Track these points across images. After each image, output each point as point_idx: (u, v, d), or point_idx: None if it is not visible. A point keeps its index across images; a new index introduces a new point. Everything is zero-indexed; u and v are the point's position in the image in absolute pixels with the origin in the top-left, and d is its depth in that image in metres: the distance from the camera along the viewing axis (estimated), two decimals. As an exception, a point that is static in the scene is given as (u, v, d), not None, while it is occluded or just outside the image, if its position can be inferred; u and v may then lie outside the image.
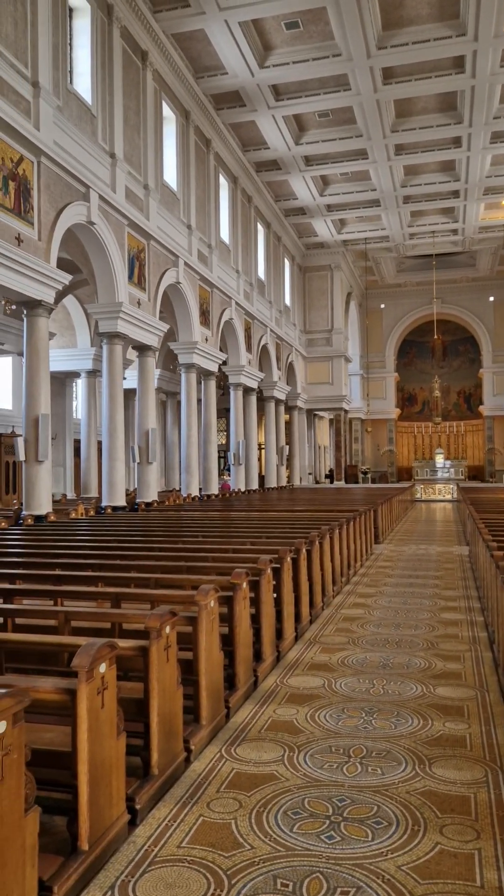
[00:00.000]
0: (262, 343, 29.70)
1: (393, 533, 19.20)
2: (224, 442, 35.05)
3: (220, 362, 24.11)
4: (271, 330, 30.83)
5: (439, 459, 42.94)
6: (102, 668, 3.30)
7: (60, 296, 20.47)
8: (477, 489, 29.22)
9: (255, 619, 5.99)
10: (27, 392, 13.75)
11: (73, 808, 3.12)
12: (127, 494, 19.22)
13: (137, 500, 18.67)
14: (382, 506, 17.40)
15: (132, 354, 20.90)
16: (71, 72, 15.61)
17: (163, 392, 31.85)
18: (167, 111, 20.44)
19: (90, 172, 15.51)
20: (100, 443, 19.65)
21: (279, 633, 6.68)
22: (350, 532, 11.67)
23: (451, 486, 36.73)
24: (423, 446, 46.87)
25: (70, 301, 24.30)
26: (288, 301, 35.08)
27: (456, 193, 30.40)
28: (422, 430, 46.95)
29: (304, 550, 7.82)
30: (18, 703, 2.60)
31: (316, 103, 22.70)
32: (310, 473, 39.03)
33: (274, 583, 6.65)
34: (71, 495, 26.47)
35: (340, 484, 37.91)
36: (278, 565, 6.84)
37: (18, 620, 5.31)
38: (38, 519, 13.60)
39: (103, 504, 17.27)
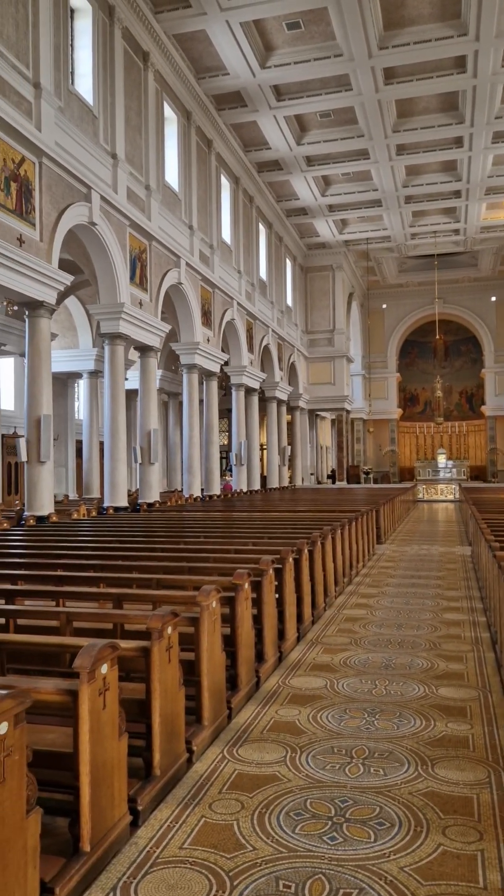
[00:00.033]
0: (264, 343, 29.70)
1: (395, 533, 19.18)
2: (226, 442, 35.05)
3: (222, 363, 24.11)
4: (273, 330, 30.83)
5: (441, 460, 42.91)
6: (104, 668, 3.30)
7: (62, 297, 20.49)
8: (479, 489, 29.19)
9: (257, 620, 5.98)
10: (29, 393, 13.76)
11: (74, 809, 3.12)
12: (129, 495, 19.24)
13: (139, 501, 18.67)
14: (384, 506, 17.39)
15: (134, 355, 20.90)
16: (72, 73, 15.63)
17: (165, 393, 31.86)
18: (168, 112, 20.44)
19: (92, 173, 15.52)
20: (102, 443, 19.65)
21: (281, 634, 6.67)
22: (352, 532, 11.66)
23: (454, 486, 36.69)
24: (425, 446, 46.83)
25: (72, 302, 24.31)
26: (290, 301, 35.08)
27: (457, 193, 30.39)
28: (424, 430, 46.92)
29: (305, 551, 7.81)
30: (20, 705, 2.59)
31: (317, 103, 22.70)
32: (312, 474, 39.01)
33: (276, 583, 6.64)
34: (73, 496, 26.49)
35: (342, 484, 37.89)
36: (280, 566, 6.83)
37: (20, 621, 5.30)
38: (41, 520, 13.60)
39: (105, 505, 17.27)
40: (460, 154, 26.11)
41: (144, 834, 3.44)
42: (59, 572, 6.71)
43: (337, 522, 10.84)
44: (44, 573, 6.67)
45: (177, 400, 32.22)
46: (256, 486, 28.62)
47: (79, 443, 28.36)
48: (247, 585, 5.53)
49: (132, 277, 17.48)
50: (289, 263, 34.89)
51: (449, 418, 45.71)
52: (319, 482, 40.76)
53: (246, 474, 27.41)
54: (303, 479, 36.55)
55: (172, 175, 20.74)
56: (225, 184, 25.39)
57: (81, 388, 27.51)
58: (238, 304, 25.78)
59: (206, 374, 23.15)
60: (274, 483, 31.62)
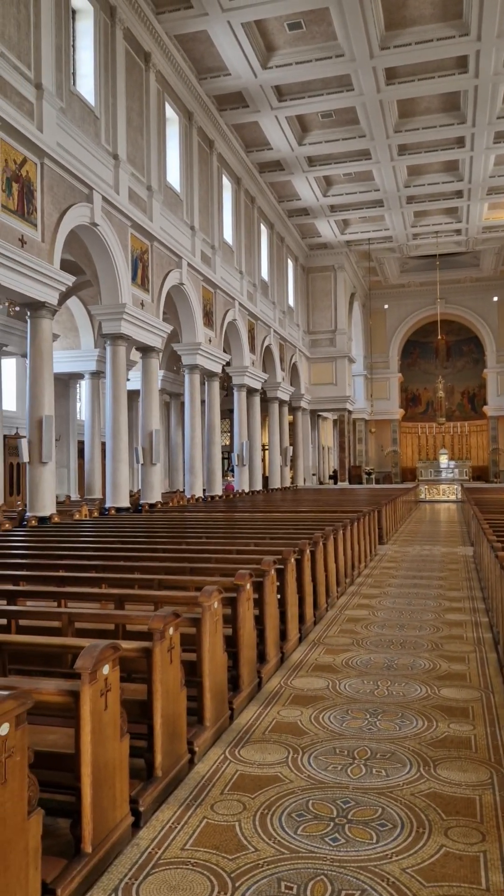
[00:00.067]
0: (266, 344, 29.70)
1: (397, 534, 19.17)
2: (228, 443, 35.04)
3: (224, 363, 24.11)
4: (275, 331, 30.83)
5: (443, 460, 42.89)
6: (105, 669, 3.29)
7: (64, 297, 20.52)
8: (481, 489, 29.16)
9: (259, 621, 5.98)
10: (31, 394, 13.77)
11: (76, 810, 3.11)
12: (131, 496, 19.24)
13: (141, 502, 18.67)
14: (386, 507, 17.37)
15: (136, 356, 20.91)
16: (74, 73, 15.64)
17: (166, 393, 31.87)
18: (170, 112, 20.45)
19: (93, 174, 15.53)
20: (103, 444, 19.67)
21: (283, 635, 6.66)
22: (354, 533, 11.65)
23: (455, 486, 36.67)
24: (426, 447, 46.80)
25: (73, 302, 24.33)
26: (291, 302, 35.07)
27: (459, 193, 30.37)
28: (426, 430, 46.89)
29: (307, 551, 7.80)
30: (21, 706, 2.59)
31: (319, 104, 22.70)
32: (314, 474, 39.01)
33: (278, 584, 6.64)
34: (75, 496, 26.52)
35: (344, 485, 37.87)
36: (282, 566, 6.83)
37: (22, 622, 5.30)
38: (42, 520, 13.61)
39: (107, 505, 17.27)
40: (462, 154, 26.10)
41: (146, 835, 3.44)
42: (61, 573, 6.71)
43: (339, 523, 10.83)
44: (46, 574, 6.67)
45: (179, 400, 32.22)
46: (258, 486, 28.62)
47: (81, 443, 28.41)
48: (249, 586, 5.52)
49: (134, 278, 17.49)
50: (290, 264, 34.89)
51: (451, 418, 45.69)
52: (321, 483, 40.75)
53: (248, 475, 27.41)
54: (305, 480, 36.53)
55: (174, 175, 20.74)
56: (226, 184, 25.40)
57: (83, 388, 27.55)
58: (240, 304, 25.78)
59: (207, 375, 23.15)
60: (276, 483, 31.62)
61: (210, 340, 22.77)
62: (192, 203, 21.60)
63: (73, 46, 15.72)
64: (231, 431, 30.79)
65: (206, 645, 4.59)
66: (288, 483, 33.90)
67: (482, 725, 4.79)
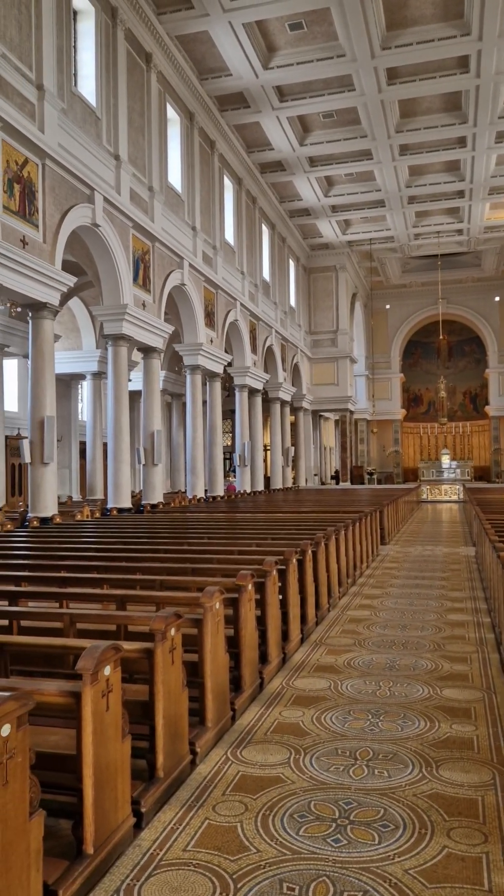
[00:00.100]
0: (268, 344, 29.70)
1: (399, 534, 19.15)
2: (229, 443, 35.05)
3: (226, 364, 24.11)
4: (276, 331, 30.83)
5: (445, 460, 42.88)
6: (107, 670, 3.29)
7: (65, 298, 20.53)
8: (483, 490, 29.14)
9: (261, 621, 5.97)
10: (32, 394, 13.77)
11: (78, 811, 3.11)
12: (132, 496, 19.25)
13: (143, 502, 18.68)
14: (388, 507, 17.36)
15: (137, 356, 20.91)
16: (75, 74, 15.65)
17: (168, 394, 31.87)
18: (171, 113, 20.46)
19: (95, 174, 15.54)
20: (105, 445, 19.67)
21: (285, 635, 6.66)
22: (356, 533, 11.64)
23: (457, 486, 36.64)
24: (428, 447, 46.78)
25: (75, 303, 24.35)
26: (293, 302, 35.07)
27: (461, 193, 30.35)
28: (427, 430, 46.86)
29: (309, 552, 7.79)
30: (22, 707, 2.59)
31: (320, 104, 22.69)
32: (315, 474, 38.99)
33: (279, 584, 6.63)
34: (77, 497, 26.52)
35: (346, 485, 37.86)
36: (284, 567, 6.82)
37: (24, 623, 5.30)
38: (44, 521, 13.61)
39: (109, 506, 17.27)
40: (463, 154, 26.08)
41: (148, 836, 3.44)
42: (63, 574, 6.71)
43: (340, 523, 10.82)
44: (47, 575, 6.68)
45: (180, 401, 32.23)
46: (260, 486, 28.61)
47: (82, 444, 28.43)
48: (250, 587, 5.52)
49: (135, 279, 17.49)
50: (292, 264, 34.88)
51: (453, 419, 45.65)
52: (323, 483, 40.74)
53: (249, 475, 27.40)
54: (306, 480, 36.52)
55: (175, 176, 20.75)
56: (228, 185, 25.40)
57: (85, 389, 27.57)
58: (241, 305, 25.78)
59: (209, 375, 23.15)
60: (277, 484, 31.61)
61: (211, 341, 22.77)
62: (193, 203, 21.61)
63: (75, 47, 15.72)
64: (233, 432, 30.80)
65: (207, 646, 4.59)
66: (290, 483, 33.89)
67: (484, 726, 4.78)
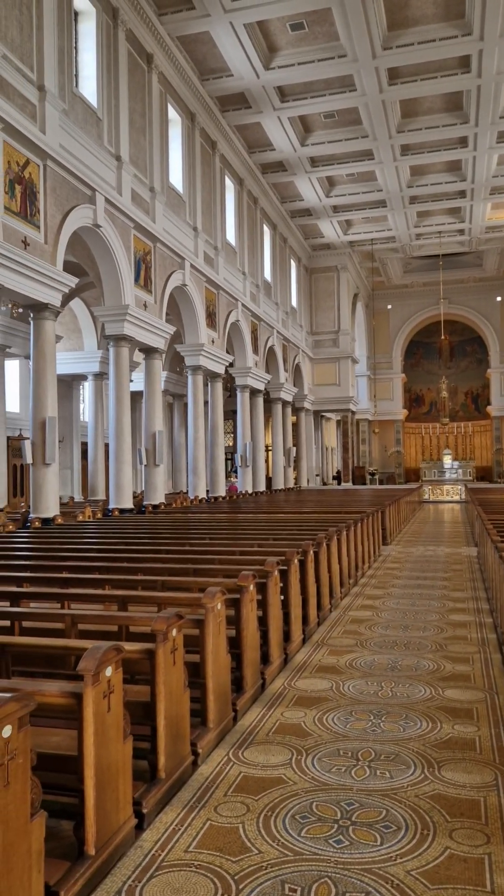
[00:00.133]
0: (269, 345, 29.69)
1: (401, 534, 19.14)
2: (231, 444, 35.06)
3: (227, 364, 24.11)
4: (278, 331, 30.82)
5: (447, 460, 42.85)
6: (108, 671, 3.29)
7: (67, 299, 20.53)
8: (485, 490, 29.11)
9: (263, 622, 5.97)
10: (34, 395, 13.78)
11: (79, 812, 3.11)
12: (134, 497, 19.25)
13: (144, 503, 18.68)
14: (390, 507, 17.35)
15: (139, 357, 20.92)
16: (76, 75, 15.66)
17: (170, 394, 31.88)
18: (172, 113, 20.46)
19: (96, 175, 15.54)
20: (107, 445, 19.67)
21: (287, 636, 6.65)
22: (358, 534, 11.63)
23: (459, 486, 36.61)
24: (430, 447, 46.74)
25: (77, 304, 24.36)
26: (294, 302, 35.07)
27: (462, 193, 30.33)
28: (429, 430, 46.83)
29: (311, 552, 7.79)
30: (24, 708, 2.58)
31: (321, 104, 22.68)
32: (317, 475, 38.98)
33: (281, 585, 6.62)
34: (78, 498, 26.53)
35: (348, 485, 37.84)
36: (285, 567, 6.81)
37: (25, 623, 5.30)
38: (46, 522, 13.62)
39: (110, 506, 17.28)
40: (465, 154, 26.07)
41: (149, 837, 3.43)
42: (65, 574, 6.71)
43: (342, 524, 10.82)
44: (49, 575, 6.68)
45: (182, 401, 32.24)
46: (262, 487, 28.61)
47: (84, 445, 28.44)
48: (252, 587, 5.51)
49: (137, 279, 17.50)
50: (293, 264, 34.88)
51: (454, 419, 45.62)
52: (325, 483, 40.73)
53: (251, 476, 27.40)
54: (308, 481, 36.51)
55: (176, 177, 20.75)
56: (229, 185, 25.41)
57: (86, 390, 27.57)
58: (243, 305, 25.78)
59: (210, 376, 23.15)
60: (279, 484, 31.60)
61: (213, 341, 22.77)
62: (194, 204, 21.61)
63: (76, 48, 15.74)
64: (234, 432, 30.81)
65: (209, 646, 4.58)
66: (291, 484, 33.88)
67: (487, 727, 4.78)
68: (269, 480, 32.85)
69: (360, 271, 40.99)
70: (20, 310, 14.30)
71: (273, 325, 29.94)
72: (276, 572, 6.28)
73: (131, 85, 17.49)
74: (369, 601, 9.43)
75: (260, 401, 28.38)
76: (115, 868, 3.16)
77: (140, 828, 3.48)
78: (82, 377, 26.69)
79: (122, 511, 16.91)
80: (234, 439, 30.92)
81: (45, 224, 13.52)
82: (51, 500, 13.91)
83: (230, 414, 31.75)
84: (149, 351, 18.63)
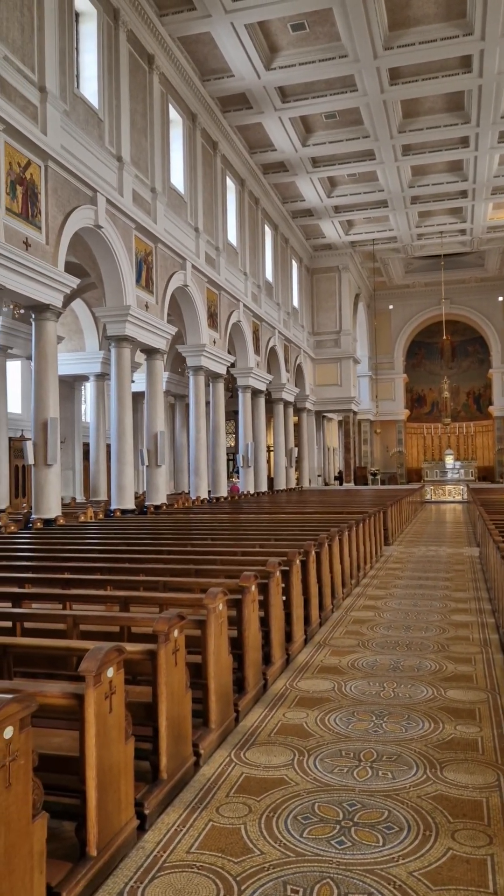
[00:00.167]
0: (271, 345, 29.69)
1: (403, 535, 19.13)
2: (233, 444, 35.04)
3: (229, 365, 24.11)
4: (279, 332, 30.82)
5: (449, 460, 42.81)
6: (110, 672, 3.28)
7: (68, 300, 20.55)
8: (487, 490, 29.08)
9: (264, 622, 5.96)
10: (36, 396, 13.79)
11: (81, 813, 3.11)
12: (136, 497, 19.24)
13: (146, 503, 18.68)
14: (392, 507, 17.34)
15: (140, 357, 20.92)
16: (78, 76, 15.67)
17: (171, 395, 31.90)
18: (174, 114, 20.47)
19: (97, 176, 15.55)
20: (109, 446, 19.69)
21: (288, 636, 6.65)
22: (359, 534, 11.62)
23: (461, 487, 36.58)
24: (432, 447, 46.72)
25: (78, 305, 24.38)
26: (296, 303, 35.06)
27: (464, 193, 30.32)
28: (431, 431, 46.81)
29: (313, 553, 7.78)
30: (25, 709, 2.58)
31: (322, 105, 22.68)
32: (319, 475, 38.96)
33: (283, 585, 6.62)
34: (80, 499, 26.54)
35: (350, 486, 37.83)
36: (287, 568, 6.81)
37: (27, 624, 5.30)
38: (48, 522, 13.62)
39: (112, 507, 17.28)
40: (466, 154, 26.05)
41: (151, 838, 3.43)
42: (66, 575, 6.71)
43: (344, 524, 10.81)
44: (51, 576, 6.67)
45: (183, 402, 32.25)
46: (263, 487, 28.61)
47: (86, 445, 28.46)
48: (254, 588, 5.51)
49: (138, 280, 17.51)
50: (295, 265, 34.88)
51: (456, 419, 45.57)
52: (326, 484, 40.71)
53: (253, 476, 27.40)
54: (310, 481, 36.50)
55: (178, 177, 20.76)
56: (230, 186, 25.41)
57: (88, 390, 27.58)
58: (244, 305, 25.78)
59: (212, 376, 23.15)
60: (281, 485, 31.60)
61: (214, 342, 22.77)
62: (196, 205, 21.61)
63: (77, 49, 15.74)
64: (236, 433, 30.80)
65: (211, 647, 4.58)
66: (293, 484, 33.87)
67: (489, 727, 4.77)
68: (270, 481, 32.84)
69: (361, 271, 40.98)
70: (22, 311, 14.33)
71: (274, 325, 29.94)
72: (278, 573, 6.28)
73: (132, 86, 17.50)
74: (371, 601, 9.43)
75: (261, 401, 28.38)
76: (116, 869, 3.16)
77: (142, 829, 3.48)
78: (84, 378, 26.71)
79: (123, 512, 16.92)
80: (236, 440, 30.90)
81: (47, 225, 13.53)
82: (52, 501, 13.91)
83: (232, 414, 31.76)
84: (150, 351, 18.64)
